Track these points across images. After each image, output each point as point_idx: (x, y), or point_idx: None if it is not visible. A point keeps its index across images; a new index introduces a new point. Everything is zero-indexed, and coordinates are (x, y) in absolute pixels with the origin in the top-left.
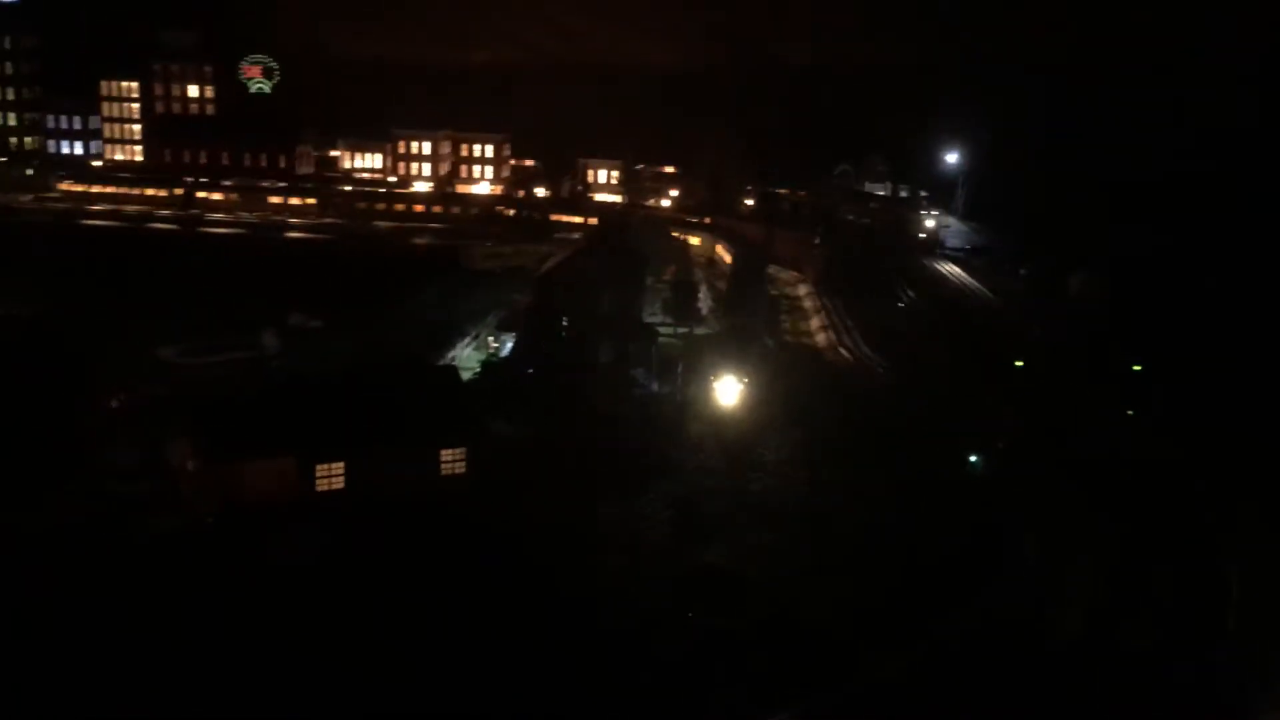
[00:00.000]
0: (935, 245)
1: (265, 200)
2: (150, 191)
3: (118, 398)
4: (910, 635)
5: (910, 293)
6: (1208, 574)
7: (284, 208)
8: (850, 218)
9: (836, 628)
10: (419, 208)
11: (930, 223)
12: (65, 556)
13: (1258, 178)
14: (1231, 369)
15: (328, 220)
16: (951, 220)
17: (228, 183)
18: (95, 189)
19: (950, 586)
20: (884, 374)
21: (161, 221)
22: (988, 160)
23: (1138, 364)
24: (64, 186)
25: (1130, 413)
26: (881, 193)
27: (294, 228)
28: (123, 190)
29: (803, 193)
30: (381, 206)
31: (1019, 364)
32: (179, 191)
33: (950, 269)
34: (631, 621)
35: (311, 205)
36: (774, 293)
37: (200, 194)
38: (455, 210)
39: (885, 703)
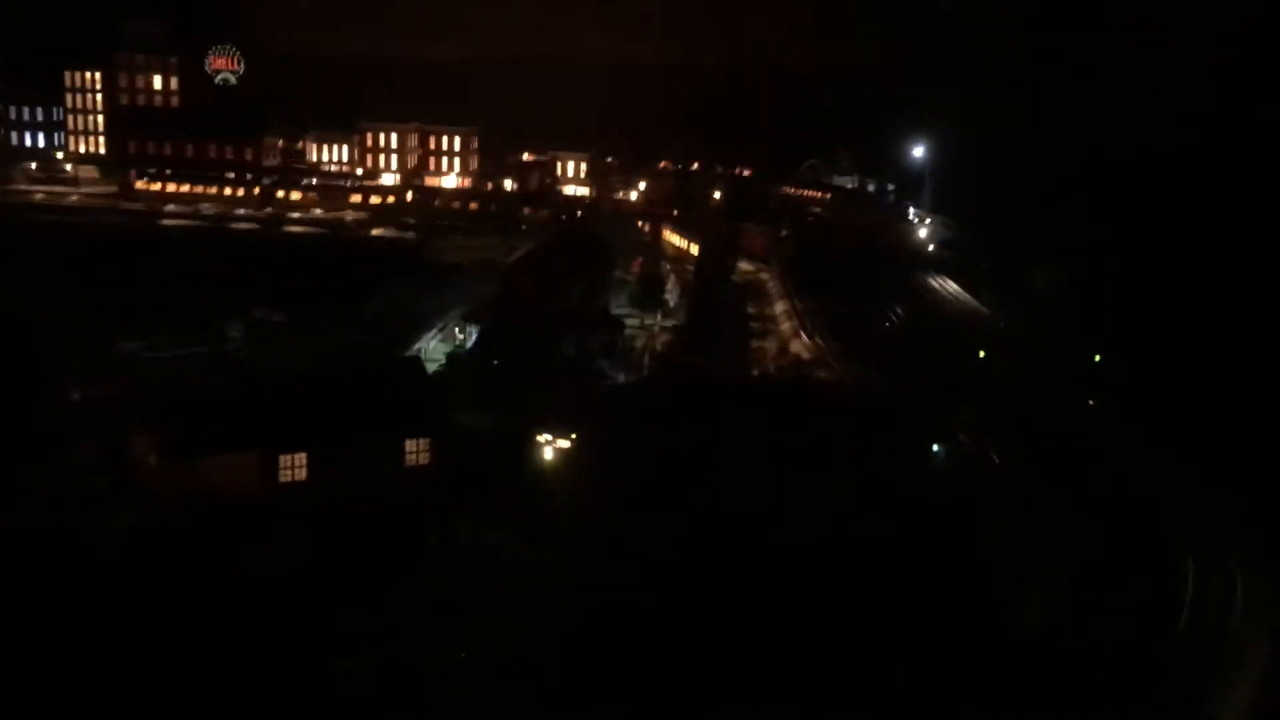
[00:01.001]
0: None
1: (345, 199)
2: (228, 191)
3: (78, 391)
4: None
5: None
6: (1169, 565)
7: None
8: (817, 210)
9: None
10: (376, 199)
11: (923, 232)
12: (24, 551)
13: (1219, 168)
14: (1194, 357)
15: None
16: (919, 214)
17: (308, 181)
18: (170, 188)
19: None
20: (848, 365)
21: (242, 221)
22: (953, 155)
23: (1098, 354)
24: (140, 185)
25: (1091, 402)
26: (851, 185)
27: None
28: (197, 189)
29: (774, 187)
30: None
31: (981, 355)
32: (258, 191)
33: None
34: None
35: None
36: (740, 283)
37: (279, 193)
38: (420, 201)
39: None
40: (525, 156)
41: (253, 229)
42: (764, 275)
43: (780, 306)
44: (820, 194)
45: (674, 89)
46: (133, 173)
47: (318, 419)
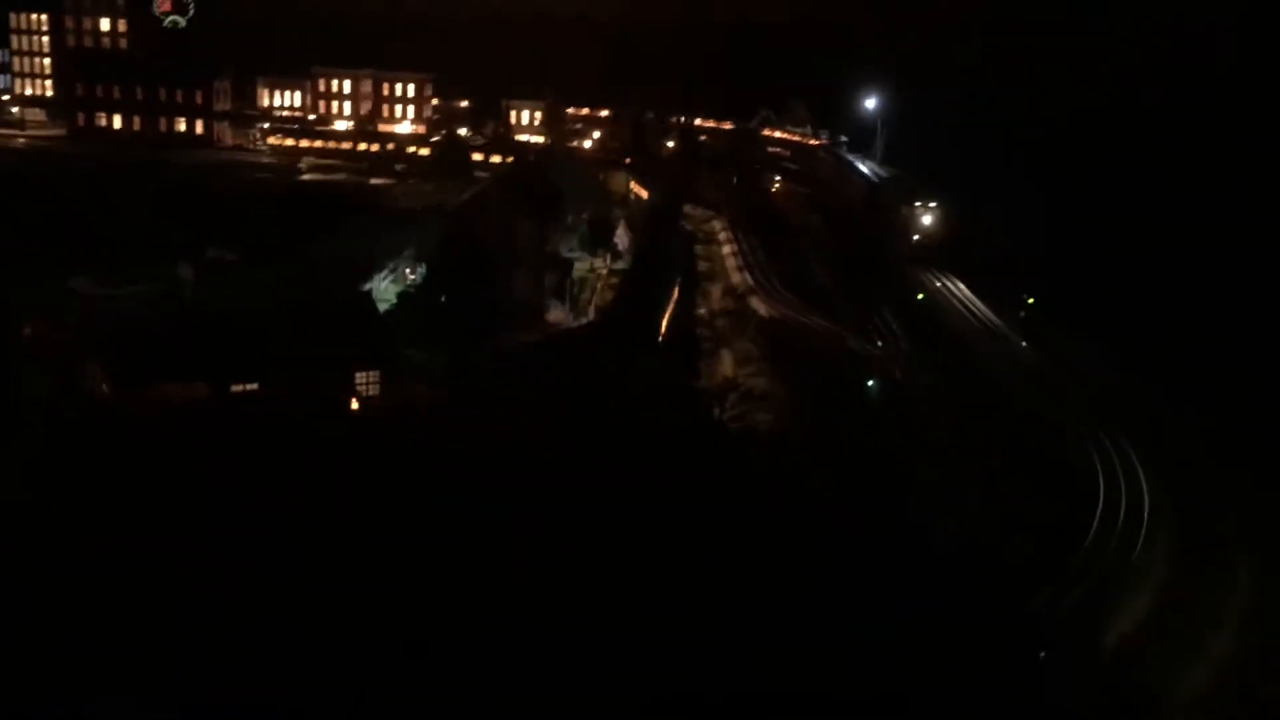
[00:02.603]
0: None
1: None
2: (362, 146)
3: (29, 327)
4: None
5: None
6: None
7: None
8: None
9: None
10: (333, 144)
11: (927, 219)
12: None
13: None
14: (1121, 302)
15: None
16: (870, 165)
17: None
18: (304, 144)
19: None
20: (793, 304)
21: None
22: (906, 107)
23: (1031, 297)
24: (273, 141)
25: (1025, 344)
26: (803, 136)
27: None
28: (330, 145)
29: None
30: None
31: (920, 298)
32: (375, 148)
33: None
34: None
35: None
36: (689, 229)
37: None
38: (374, 148)
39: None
40: (480, 105)
41: (206, 170)
42: (715, 223)
43: (728, 249)
44: (771, 143)
45: (629, 39)
46: (81, 115)
47: (269, 351)
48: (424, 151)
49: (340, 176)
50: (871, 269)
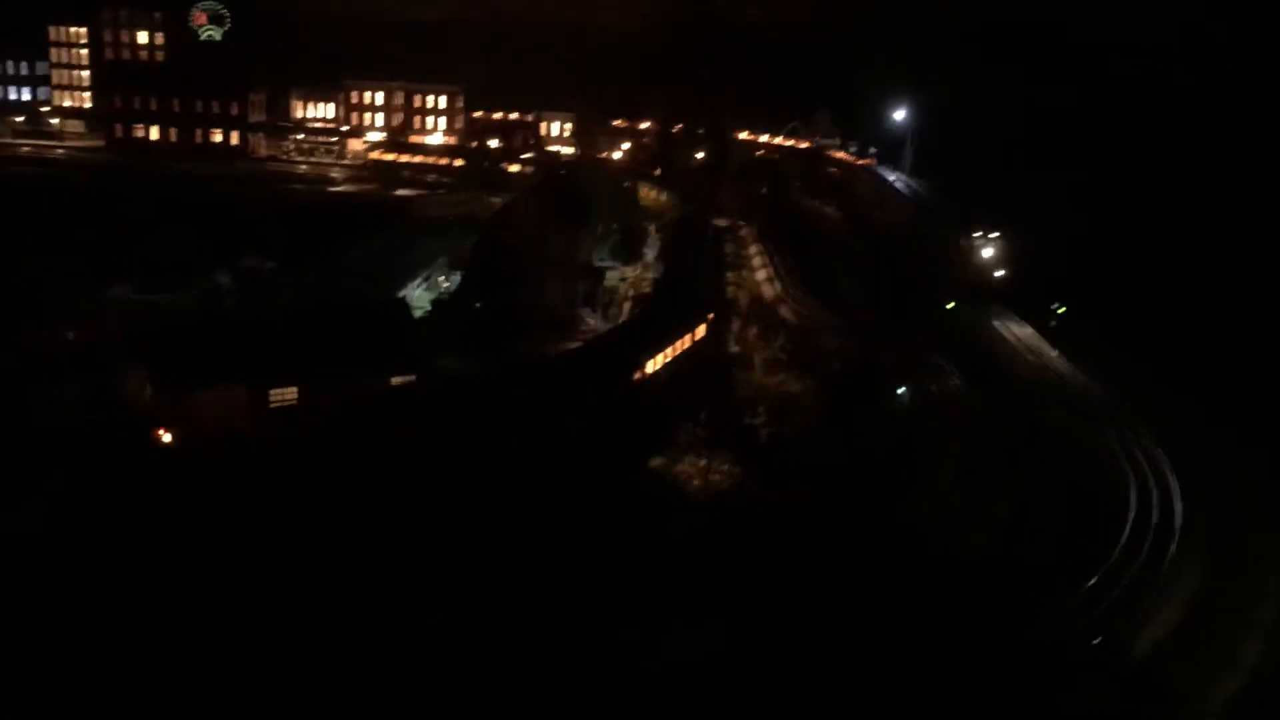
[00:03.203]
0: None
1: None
2: (457, 162)
3: (73, 332)
4: None
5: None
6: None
7: None
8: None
9: None
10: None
11: (988, 251)
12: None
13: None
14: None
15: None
16: (901, 177)
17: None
18: (404, 158)
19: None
20: (822, 315)
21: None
22: (934, 118)
23: (1062, 307)
24: (374, 156)
25: (1056, 353)
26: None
27: None
28: (429, 160)
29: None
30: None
31: (950, 306)
32: (460, 162)
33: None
34: None
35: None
36: (719, 238)
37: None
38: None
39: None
40: (511, 116)
41: (241, 180)
42: (743, 232)
43: (757, 261)
44: (801, 155)
45: (658, 52)
46: (118, 126)
47: (307, 356)
48: (457, 162)
49: (371, 187)
50: (922, 301)
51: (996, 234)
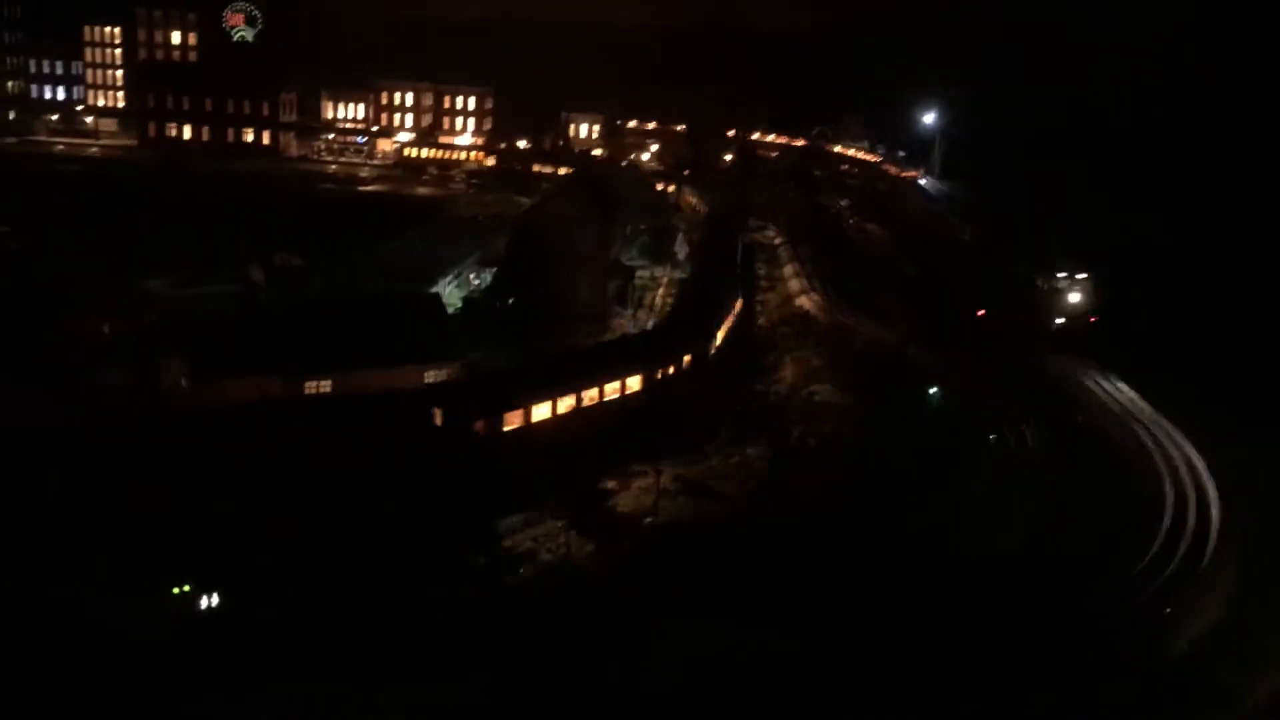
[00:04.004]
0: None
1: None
2: (536, 167)
3: (108, 324)
4: None
5: None
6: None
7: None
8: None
9: None
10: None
11: (1076, 297)
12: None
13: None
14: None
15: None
16: (928, 179)
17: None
18: (434, 156)
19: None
20: (852, 318)
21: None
22: (962, 121)
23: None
24: (406, 154)
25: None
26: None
27: None
28: (458, 159)
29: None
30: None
31: (980, 313)
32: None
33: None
34: None
35: None
36: (748, 240)
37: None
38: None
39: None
40: (540, 116)
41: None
42: (770, 232)
43: (787, 264)
44: (831, 158)
45: (686, 54)
46: (151, 125)
47: (341, 349)
48: (488, 162)
49: (401, 187)
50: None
51: (1084, 275)
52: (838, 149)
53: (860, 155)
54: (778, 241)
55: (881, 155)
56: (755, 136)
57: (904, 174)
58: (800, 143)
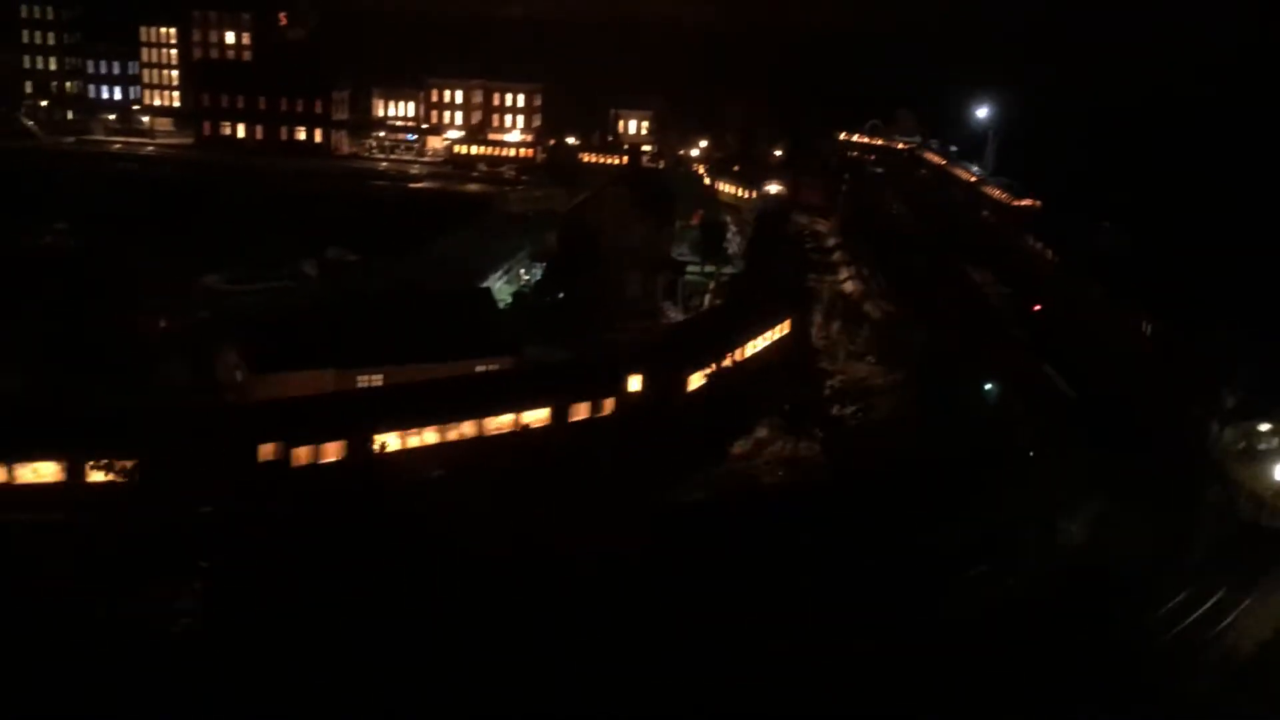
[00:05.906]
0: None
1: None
2: (586, 158)
3: (166, 319)
4: None
5: None
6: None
7: None
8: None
9: None
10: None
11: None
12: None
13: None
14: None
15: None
16: (982, 174)
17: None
18: (484, 152)
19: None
20: (908, 314)
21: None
22: (1016, 116)
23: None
24: (456, 151)
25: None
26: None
27: None
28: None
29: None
30: None
31: (1036, 309)
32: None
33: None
34: None
35: None
36: (798, 234)
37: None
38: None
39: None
40: (588, 114)
41: (324, 176)
42: (820, 227)
43: (837, 255)
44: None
45: (736, 50)
46: (206, 124)
47: (393, 343)
48: (538, 159)
49: (451, 184)
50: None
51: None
52: (882, 142)
53: (932, 159)
54: (827, 234)
55: (937, 151)
56: (805, 130)
57: (1017, 202)
58: (901, 146)
